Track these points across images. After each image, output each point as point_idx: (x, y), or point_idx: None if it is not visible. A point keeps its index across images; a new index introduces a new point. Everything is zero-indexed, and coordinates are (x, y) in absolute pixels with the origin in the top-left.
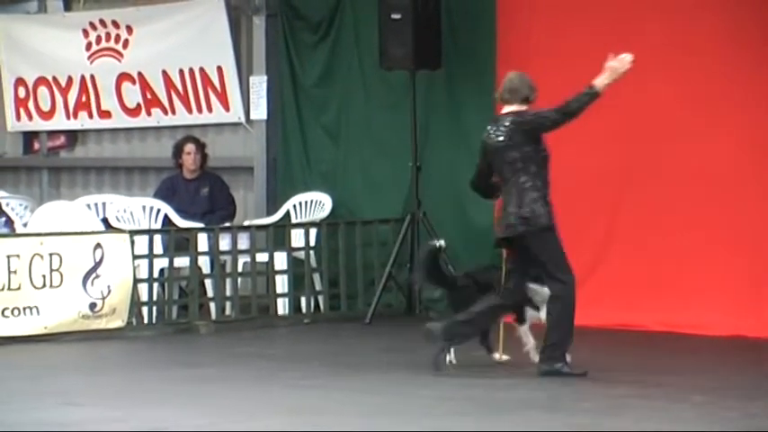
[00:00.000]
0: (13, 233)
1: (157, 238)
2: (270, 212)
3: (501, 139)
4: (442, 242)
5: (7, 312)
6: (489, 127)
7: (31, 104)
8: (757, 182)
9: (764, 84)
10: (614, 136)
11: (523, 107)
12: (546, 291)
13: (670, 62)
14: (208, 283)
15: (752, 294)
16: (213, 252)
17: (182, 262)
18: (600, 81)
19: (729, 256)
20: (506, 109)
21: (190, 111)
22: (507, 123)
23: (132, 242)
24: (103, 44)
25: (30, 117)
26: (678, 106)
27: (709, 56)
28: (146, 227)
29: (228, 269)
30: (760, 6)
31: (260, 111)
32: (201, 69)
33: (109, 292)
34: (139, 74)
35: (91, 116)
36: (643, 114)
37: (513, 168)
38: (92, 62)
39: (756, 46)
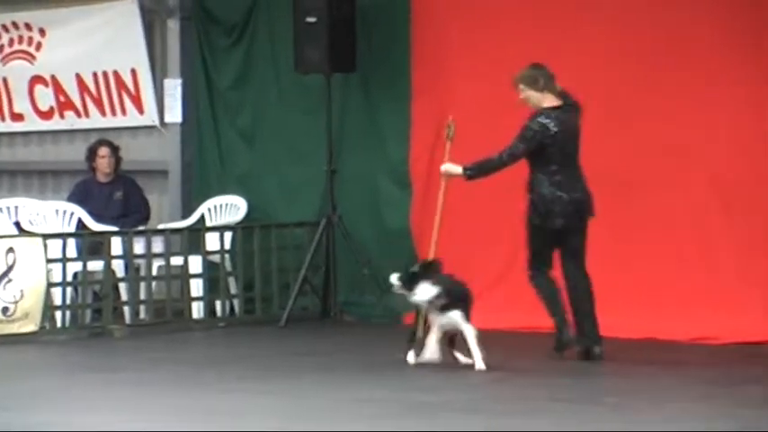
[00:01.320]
0: None
1: (71, 242)
2: (184, 216)
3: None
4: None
5: None
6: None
7: None
8: (663, 185)
9: (684, 85)
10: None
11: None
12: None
13: (583, 66)
14: (122, 286)
15: (664, 296)
16: (127, 256)
17: (95, 266)
18: None
19: (639, 259)
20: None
21: (104, 114)
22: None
23: (45, 246)
24: (16, 46)
25: None
26: (593, 110)
27: (625, 59)
28: (59, 230)
29: (143, 273)
30: (670, 11)
31: (174, 114)
32: (115, 72)
33: (22, 296)
34: (53, 76)
35: (3, 119)
36: None
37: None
38: (4, 64)
39: (672, 47)
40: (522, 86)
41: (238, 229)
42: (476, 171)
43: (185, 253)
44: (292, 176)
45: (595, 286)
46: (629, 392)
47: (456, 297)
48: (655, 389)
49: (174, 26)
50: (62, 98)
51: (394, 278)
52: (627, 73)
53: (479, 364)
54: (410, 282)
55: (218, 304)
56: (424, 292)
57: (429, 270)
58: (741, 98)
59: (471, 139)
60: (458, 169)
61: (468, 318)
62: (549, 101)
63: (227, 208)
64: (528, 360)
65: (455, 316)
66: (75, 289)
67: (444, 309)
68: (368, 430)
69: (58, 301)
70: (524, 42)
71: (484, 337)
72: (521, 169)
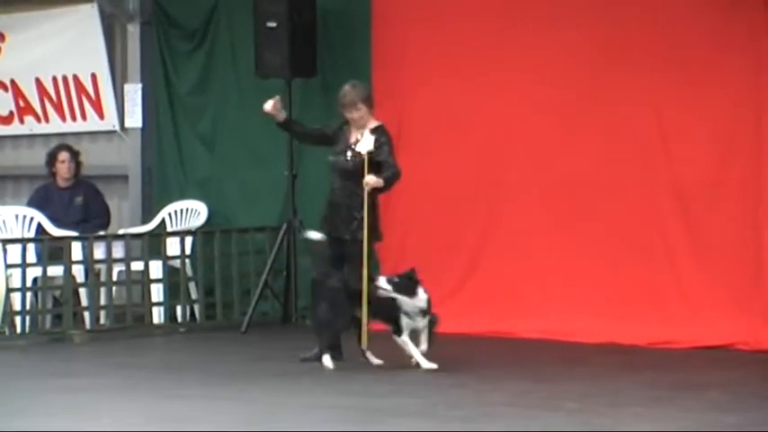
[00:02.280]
0: None
1: (30, 247)
2: (145, 221)
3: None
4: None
5: None
6: None
7: None
8: (621, 190)
9: (640, 91)
10: (486, 148)
11: None
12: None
13: (542, 72)
14: (82, 292)
15: (623, 301)
16: (87, 261)
17: (55, 271)
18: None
19: (599, 264)
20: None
21: (64, 118)
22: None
23: (5, 251)
24: None
25: None
26: (551, 113)
27: (582, 65)
28: (18, 236)
29: (103, 278)
30: (633, 13)
31: (135, 119)
32: (75, 77)
33: None
34: (12, 81)
35: None
36: (510, 127)
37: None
38: None
39: (629, 52)
40: (361, 105)
41: (199, 233)
42: (389, 183)
43: (146, 258)
44: (253, 181)
45: (557, 292)
46: (589, 397)
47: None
48: (614, 393)
49: (134, 31)
50: (22, 103)
51: (383, 282)
52: (587, 77)
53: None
54: (408, 287)
55: (178, 309)
56: (421, 298)
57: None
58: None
59: (433, 143)
60: (380, 181)
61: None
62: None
63: (187, 213)
64: (488, 365)
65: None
66: (35, 294)
67: (425, 314)
68: None
69: (17, 306)
70: (486, 46)
71: (449, 341)
72: (480, 177)
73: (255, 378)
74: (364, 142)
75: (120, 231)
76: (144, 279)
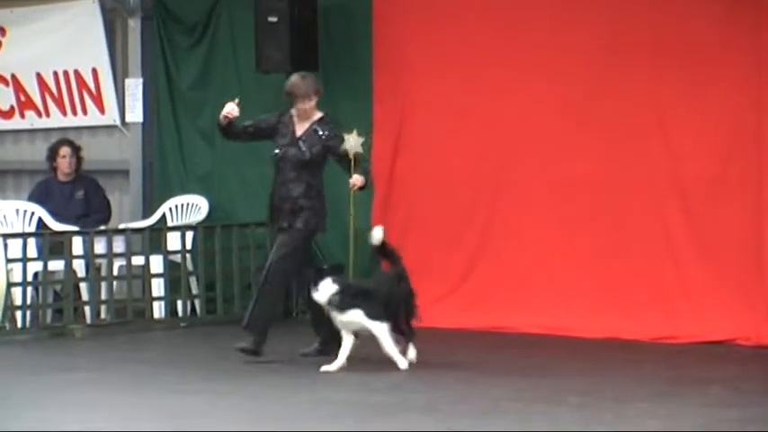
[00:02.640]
0: None
1: (31, 242)
2: (146, 216)
3: None
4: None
5: None
6: None
7: None
8: (623, 186)
9: (642, 88)
10: (487, 145)
11: None
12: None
13: (543, 70)
14: (83, 286)
15: (625, 296)
16: (88, 255)
17: (56, 265)
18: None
19: (601, 260)
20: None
21: (64, 113)
22: None
23: (5, 245)
24: None
25: None
26: (552, 111)
27: (584, 63)
28: (19, 230)
29: (104, 273)
30: (635, 11)
31: (135, 113)
32: (76, 71)
33: None
34: (13, 75)
35: None
36: (512, 124)
37: None
38: None
39: (631, 50)
40: (313, 97)
41: (200, 228)
42: (369, 182)
43: (146, 253)
44: (254, 176)
45: (559, 287)
46: (592, 393)
47: (356, 295)
48: (617, 389)
49: (135, 25)
50: (23, 97)
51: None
52: (589, 75)
53: (402, 364)
54: (316, 279)
55: (179, 304)
56: (325, 290)
57: (336, 271)
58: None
59: (434, 140)
60: (363, 180)
61: (374, 316)
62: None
63: (188, 208)
64: (490, 361)
65: (356, 315)
66: (36, 289)
67: (344, 308)
68: (325, 431)
69: (18, 300)
70: (488, 42)
71: (452, 337)
72: (481, 174)
73: (258, 373)
74: (351, 142)
75: (121, 226)
76: (145, 274)
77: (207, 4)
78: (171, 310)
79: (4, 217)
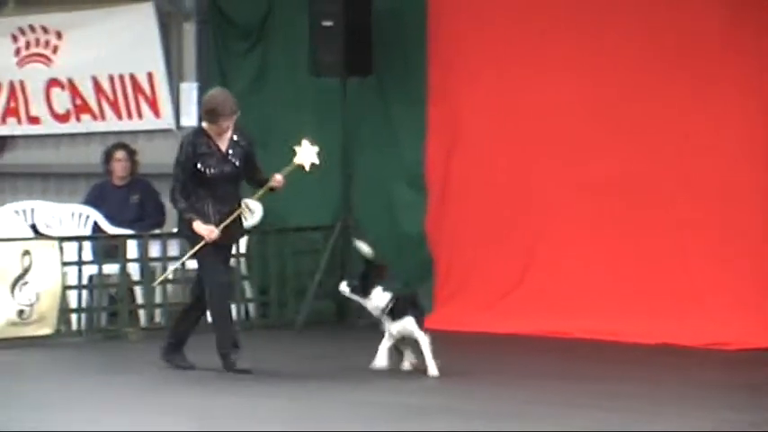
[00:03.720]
0: None
1: (87, 245)
2: None
3: None
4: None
5: None
6: None
7: None
8: (684, 188)
9: (688, 86)
10: (542, 142)
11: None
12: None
13: (591, 72)
14: (137, 290)
15: (677, 302)
16: (143, 259)
17: (111, 269)
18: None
19: (655, 264)
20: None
21: (120, 117)
22: None
23: (61, 249)
24: (33, 49)
25: None
26: (584, 109)
27: (624, 66)
28: (75, 234)
29: (158, 276)
30: (677, 9)
31: (190, 117)
32: (132, 75)
33: (37, 299)
34: (69, 79)
35: (20, 122)
36: (565, 126)
37: None
38: (21, 67)
39: (672, 48)
40: (235, 115)
41: (254, 232)
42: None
43: None
44: (307, 180)
45: (610, 292)
46: (637, 398)
47: (408, 303)
48: (662, 394)
49: (190, 29)
50: (78, 101)
51: (344, 286)
52: (641, 76)
53: (432, 371)
54: (364, 288)
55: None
56: (379, 298)
57: (379, 274)
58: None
59: (487, 142)
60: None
61: (421, 325)
62: None
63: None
64: (538, 365)
65: (408, 323)
66: (91, 292)
67: (397, 316)
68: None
69: (73, 304)
70: (541, 46)
71: (499, 342)
72: (533, 173)
73: (308, 377)
74: (305, 153)
75: (176, 230)
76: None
77: (262, 9)
78: None
79: (60, 220)
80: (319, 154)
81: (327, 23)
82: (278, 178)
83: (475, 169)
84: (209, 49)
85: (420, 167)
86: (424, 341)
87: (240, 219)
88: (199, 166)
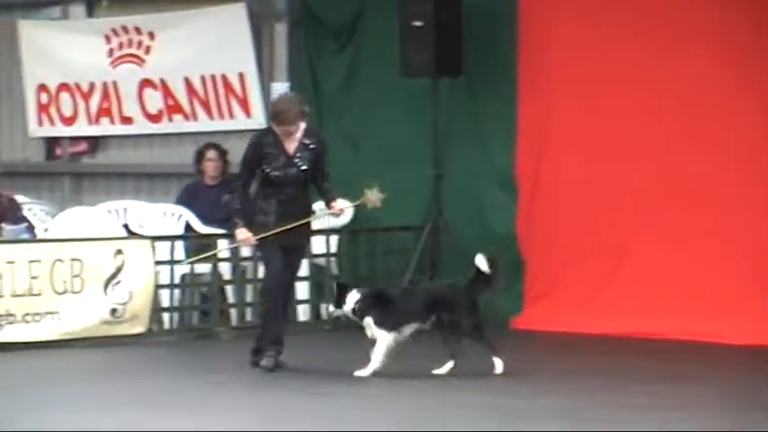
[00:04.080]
0: (34, 239)
1: (179, 245)
2: None
3: None
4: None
5: (28, 317)
6: None
7: (53, 110)
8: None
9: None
10: (640, 143)
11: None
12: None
13: (693, 70)
14: (228, 289)
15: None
16: (234, 258)
17: (203, 268)
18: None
19: (746, 265)
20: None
21: (211, 117)
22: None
23: (153, 248)
24: (126, 50)
25: (52, 123)
26: (679, 108)
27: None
28: (167, 233)
29: (249, 275)
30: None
31: None
32: (223, 76)
33: (130, 297)
34: (161, 80)
35: (113, 122)
36: (651, 121)
37: None
38: (114, 68)
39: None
40: (302, 122)
41: (344, 232)
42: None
43: None
44: (397, 180)
45: (706, 292)
46: (725, 399)
47: (371, 302)
48: (752, 396)
49: (281, 30)
50: (171, 101)
51: (331, 309)
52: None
53: (363, 372)
54: (337, 299)
55: (323, 308)
56: (351, 301)
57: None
58: None
59: (578, 143)
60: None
61: (383, 323)
62: None
63: None
64: (632, 366)
65: (368, 323)
66: (183, 291)
67: (362, 316)
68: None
69: (165, 302)
70: (631, 45)
71: (589, 343)
72: (624, 175)
73: (399, 377)
74: (372, 197)
75: None
76: None
77: (352, 10)
78: (315, 313)
79: (152, 220)
80: (385, 200)
81: (418, 23)
82: (339, 207)
83: (565, 169)
84: (300, 50)
85: (510, 168)
86: (380, 341)
87: (308, 224)
88: (263, 166)
